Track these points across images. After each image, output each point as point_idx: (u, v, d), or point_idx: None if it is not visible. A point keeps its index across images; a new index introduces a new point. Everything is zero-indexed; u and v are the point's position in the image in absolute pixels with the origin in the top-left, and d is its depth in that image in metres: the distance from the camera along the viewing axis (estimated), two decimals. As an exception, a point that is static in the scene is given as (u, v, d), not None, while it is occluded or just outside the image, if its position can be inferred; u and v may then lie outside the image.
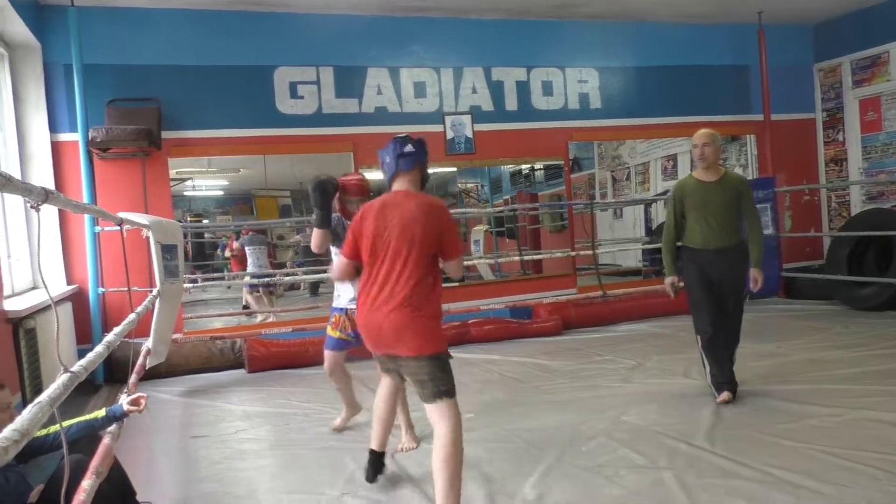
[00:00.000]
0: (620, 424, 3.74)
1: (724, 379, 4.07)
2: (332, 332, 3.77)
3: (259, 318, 7.81)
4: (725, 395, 4.01)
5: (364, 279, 2.74)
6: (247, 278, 8.20)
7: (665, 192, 10.70)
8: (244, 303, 8.76)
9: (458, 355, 5.80)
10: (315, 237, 3.55)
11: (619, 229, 11.29)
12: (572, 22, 7.60)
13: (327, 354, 3.82)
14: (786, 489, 2.73)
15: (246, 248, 8.35)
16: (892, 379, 4.22)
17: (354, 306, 3.18)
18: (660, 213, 10.88)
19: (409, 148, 2.79)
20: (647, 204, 10.92)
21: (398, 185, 2.81)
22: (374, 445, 3.12)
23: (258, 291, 8.15)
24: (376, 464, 3.10)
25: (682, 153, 10.52)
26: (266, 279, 7.64)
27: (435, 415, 2.60)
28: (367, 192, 3.64)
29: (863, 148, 8.23)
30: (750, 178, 8.42)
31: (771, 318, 6.85)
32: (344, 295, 3.70)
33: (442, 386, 2.60)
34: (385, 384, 3.08)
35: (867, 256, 7.16)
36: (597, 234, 7.83)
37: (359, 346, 3.41)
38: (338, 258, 3.10)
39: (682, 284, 4.23)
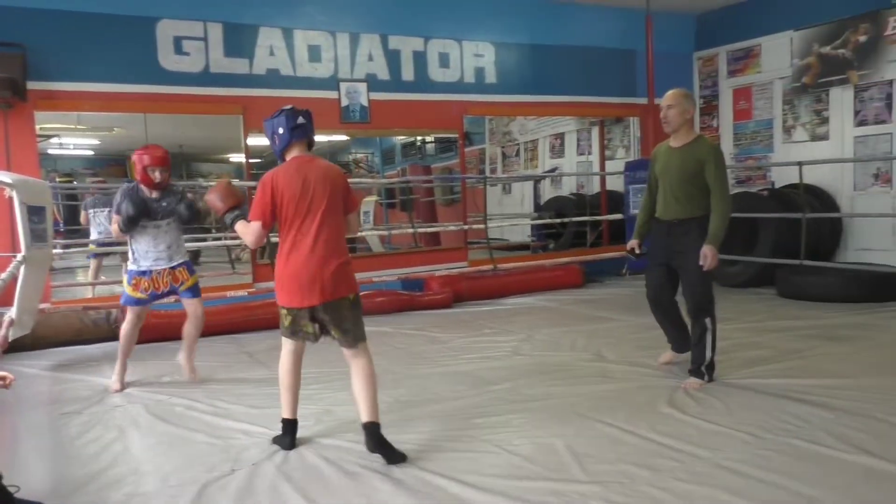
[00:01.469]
0: (512, 395, 3.82)
1: (669, 339, 4.24)
2: (132, 293, 4.22)
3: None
4: (666, 355, 4.23)
5: (291, 236, 3.00)
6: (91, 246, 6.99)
7: (553, 170, 11.00)
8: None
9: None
10: (254, 232, 3.11)
11: (507, 205, 11.51)
12: (471, -5, 7.59)
13: (131, 310, 4.28)
14: (668, 455, 2.88)
15: (89, 212, 7.06)
16: (758, 350, 4.55)
17: (159, 267, 4.15)
18: (547, 190, 11.18)
19: (301, 119, 3.09)
20: (536, 181, 11.17)
21: (295, 153, 3.10)
22: (288, 414, 3.20)
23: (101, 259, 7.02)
24: (294, 430, 3.20)
25: (569, 132, 10.82)
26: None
27: (354, 354, 3.07)
28: (169, 161, 4.18)
29: (734, 134, 8.78)
30: (632, 158, 8.80)
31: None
32: (143, 258, 4.19)
33: (361, 332, 3.09)
34: (291, 352, 3.20)
35: (735, 237, 7.66)
36: (487, 209, 7.93)
37: (149, 304, 4.31)
38: (245, 226, 3.12)
39: (640, 251, 4.15)
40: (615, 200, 8.77)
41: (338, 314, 3.02)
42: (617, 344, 4.96)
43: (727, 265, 7.38)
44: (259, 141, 6.98)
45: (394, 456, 2.92)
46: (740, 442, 2.99)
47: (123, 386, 4.29)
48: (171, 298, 4.42)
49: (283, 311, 3.11)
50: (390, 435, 3.01)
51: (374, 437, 2.95)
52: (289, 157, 3.10)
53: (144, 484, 2.84)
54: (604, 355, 4.67)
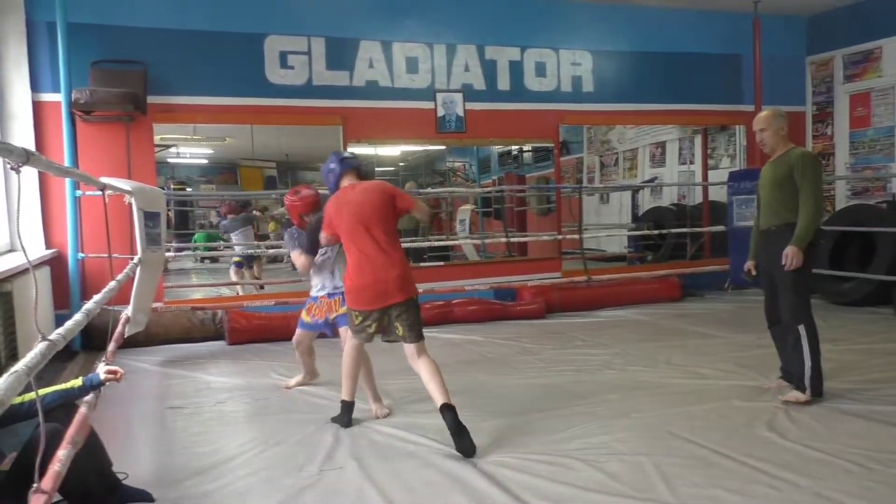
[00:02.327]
0: (601, 410, 3.74)
1: (782, 364, 4.03)
2: (304, 317, 4.37)
3: (241, 290, 7.77)
4: (771, 382, 4.05)
5: (356, 254, 3.45)
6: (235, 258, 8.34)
7: (652, 179, 10.72)
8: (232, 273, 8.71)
9: (441, 335, 5.84)
10: (305, 262, 4.05)
11: (605, 215, 11.31)
12: (568, 3, 7.53)
13: (299, 331, 4.43)
14: (763, 480, 2.74)
15: (230, 236, 8.46)
16: (871, 373, 4.26)
17: (324, 294, 4.22)
18: (646, 200, 10.91)
19: (348, 154, 3.77)
20: (635, 190, 10.92)
21: (346, 182, 3.60)
22: (347, 396, 3.66)
23: (242, 269, 8.21)
24: (351, 410, 3.66)
25: (670, 140, 10.52)
26: (250, 253, 7.73)
27: (416, 351, 3.40)
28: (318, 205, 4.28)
29: (850, 143, 8.27)
30: (737, 168, 8.44)
31: (752, 309, 6.89)
32: (317, 287, 4.30)
33: (421, 329, 3.45)
34: (355, 346, 3.63)
35: (849, 252, 7.21)
36: (583, 219, 7.82)
37: (323, 329, 4.31)
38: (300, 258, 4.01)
39: (754, 272, 4.12)
40: (718, 212, 8.44)
41: (402, 313, 3.40)
42: (715, 361, 4.76)
43: (840, 282, 6.95)
44: (358, 150, 7.19)
45: (464, 443, 3.10)
46: (844, 471, 2.80)
47: (383, 409, 3.91)
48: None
49: (353, 312, 3.53)
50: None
51: (453, 421, 3.15)
52: (342, 185, 3.61)
53: (239, 478, 2.97)
54: (700, 373, 4.50)
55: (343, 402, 3.67)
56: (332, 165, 3.64)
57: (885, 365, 4.47)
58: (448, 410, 3.17)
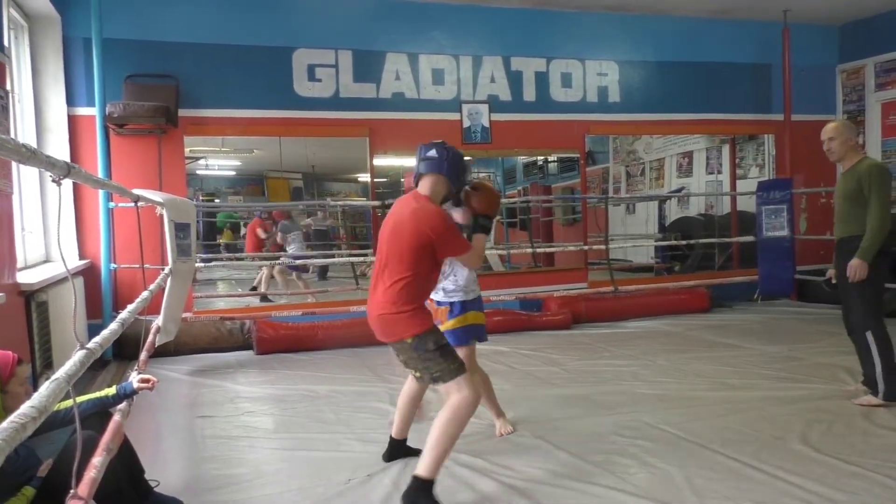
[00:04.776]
0: (629, 422, 3.71)
1: (863, 370, 4.04)
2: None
3: (284, 299, 7.86)
4: (854, 386, 4.10)
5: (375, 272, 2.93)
6: (285, 260, 8.46)
7: (679, 189, 10.63)
8: (254, 284, 8.82)
9: (467, 345, 5.80)
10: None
11: (631, 225, 11.23)
12: (594, 14, 7.52)
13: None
14: (796, 494, 2.70)
15: (287, 236, 8.58)
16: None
17: (435, 298, 3.35)
18: (673, 210, 10.81)
19: (430, 153, 2.87)
20: (662, 201, 10.84)
21: (418, 188, 2.91)
22: (393, 433, 3.28)
23: (292, 274, 8.31)
24: (393, 449, 3.26)
25: (697, 150, 10.43)
26: (302, 261, 7.93)
27: (445, 394, 2.80)
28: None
29: (882, 152, 8.13)
30: (766, 178, 8.34)
31: (783, 320, 6.81)
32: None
33: (437, 373, 2.75)
34: (409, 378, 3.23)
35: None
36: (609, 229, 7.77)
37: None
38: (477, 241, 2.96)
39: (833, 280, 4.17)
40: (746, 222, 8.34)
41: (403, 355, 2.89)
42: (745, 374, 4.70)
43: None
44: (384, 161, 7.24)
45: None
46: (881, 486, 2.75)
47: (507, 425, 3.64)
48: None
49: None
50: (498, 457, 3.01)
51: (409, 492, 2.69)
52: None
53: (267, 488, 3.00)
54: (729, 384, 4.45)
55: (390, 437, 3.28)
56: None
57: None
58: (413, 480, 2.69)
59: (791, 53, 7.86)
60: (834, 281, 4.14)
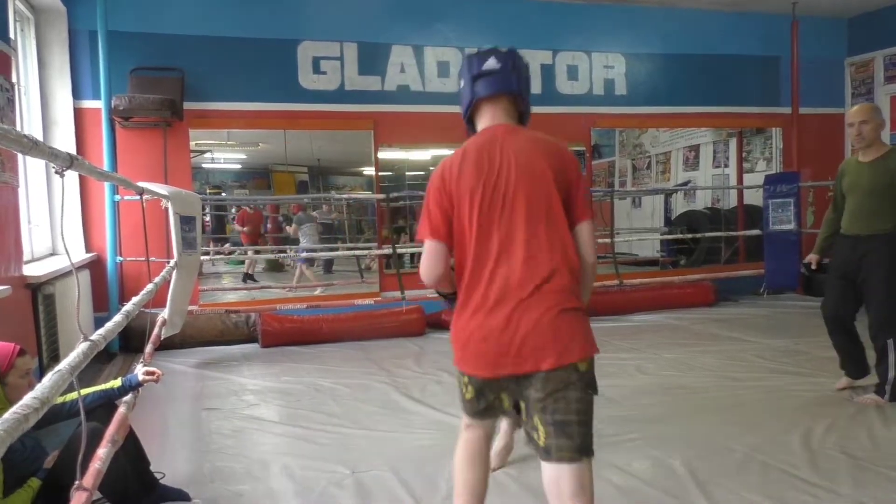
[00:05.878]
0: (634, 414, 3.71)
1: (844, 365, 3.98)
2: None
3: (318, 290, 8.01)
4: (842, 380, 3.99)
5: (470, 263, 1.87)
6: (300, 252, 8.63)
7: (686, 183, 10.59)
8: (247, 271, 8.88)
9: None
10: (427, 255, 2.06)
11: (637, 219, 11.19)
12: (600, 6, 7.48)
13: None
14: (800, 486, 2.70)
15: (301, 227, 8.65)
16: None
17: None
18: (679, 204, 10.78)
19: (491, 64, 1.93)
20: (668, 194, 10.80)
21: (485, 121, 1.98)
22: None
23: (311, 265, 8.46)
24: None
25: (704, 144, 10.38)
26: (314, 254, 8.12)
27: (567, 483, 1.77)
28: None
29: (892, 145, 8.06)
30: (774, 172, 8.30)
31: (789, 314, 6.79)
32: None
33: (588, 432, 1.81)
34: (466, 439, 2.07)
35: None
36: (615, 223, 7.75)
37: None
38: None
39: (813, 266, 4.08)
40: (753, 215, 8.30)
41: (553, 393, 1.79)
42: (750, 367, 4.69)
43: None
44: (389, 155, 7.23)
45: None
46: (886, 479, 2.74)
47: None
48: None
49: (461, 377, 1.99)
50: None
51: None
52: (481, 126, 2.00)
53: (272, 479, 3.01)
54: (735, 377, 4.43)
55: None
56: (462, 84, 2.04)
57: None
58: None
59: (800, 46, 7.81)
60: (815, 267, 4.03)
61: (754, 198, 8.42)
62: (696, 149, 10.58)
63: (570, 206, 1.88)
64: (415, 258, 8.34)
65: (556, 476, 1.79)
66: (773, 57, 8.10)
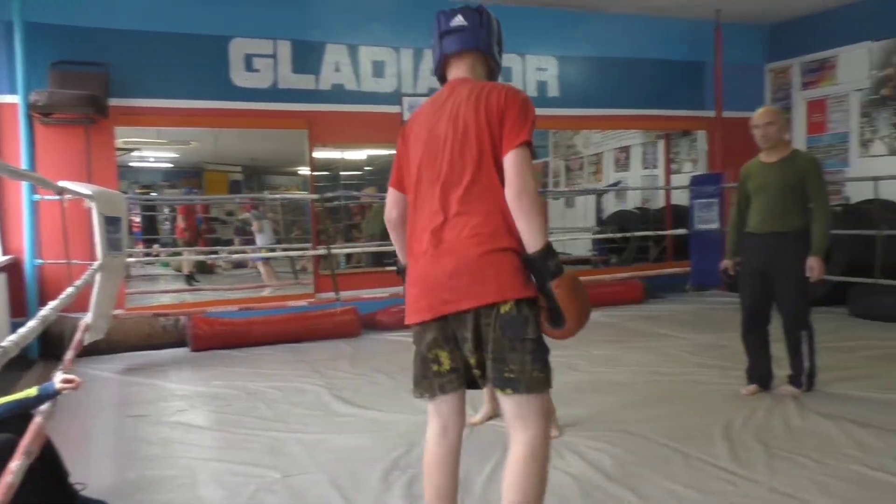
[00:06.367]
0: (563, 411, 3.78)
1: (753, 371, 4.03)
2: None
3: (267, 290, 7.93)
4: (749, 387, 3.99)
5: (412, 220, 2.00)
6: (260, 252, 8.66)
7: (616, 184, 10.86)
8: (188, 272, 8.70)
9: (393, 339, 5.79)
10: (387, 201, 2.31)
11: (570, 218, 11.42)
12: (533, 9, 7.59)
13: None
14: (721, 476, 2.80)
15: (262, 222, 8.63)
16: (827, 373, 4.36)
17: None
18: (611, 204, 11.05)
19: (458, 21, 2.02)
20: (599, 194, 11.05)
21: (451, 77, 2.07)
22: None
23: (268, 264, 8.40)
24: None
25: (634, 145, 10.67)
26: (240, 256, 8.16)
27: (512, 417, 1.90)
28: None
29: (808, 148, 8.46)
30: (699, 173, 8.60)
31: (713, 310, 7.03)
32: None
33: (524, 369, 1.87)
34: (440, 440, 2.04)
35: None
36: (549, 223, 7.88)
37: None
38: None
39: (731, 272, 4.13)
40: (680, 215, 8.59)
41: (480, 331, 1.87)
42: (676, 362, 4.85)
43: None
44: (325, 154, 7.17)
45: None
46: (799, 466, 2.88)
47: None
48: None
49: (415, 337, 2.04)
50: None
51: None
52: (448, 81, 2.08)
53: (200, 486, 2.94)
54: (662, 372, 4.58)
55: None
56: (433, 42, 2.13)
57: (839, 363, 4.57)
58: None
59: (723, 51, 8.10)
60: (732, 273, 4.12)
61: (681, 198, 8.72)
62: (626, 150, 10.87)
63: (502, 143, 1.87)
64: (352, 259, 8.28)
65: (501, 399, 1.94)
66: (698, 62, 8.38)
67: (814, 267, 3.72)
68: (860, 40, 7.76)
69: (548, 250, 1.81)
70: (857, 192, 7.72)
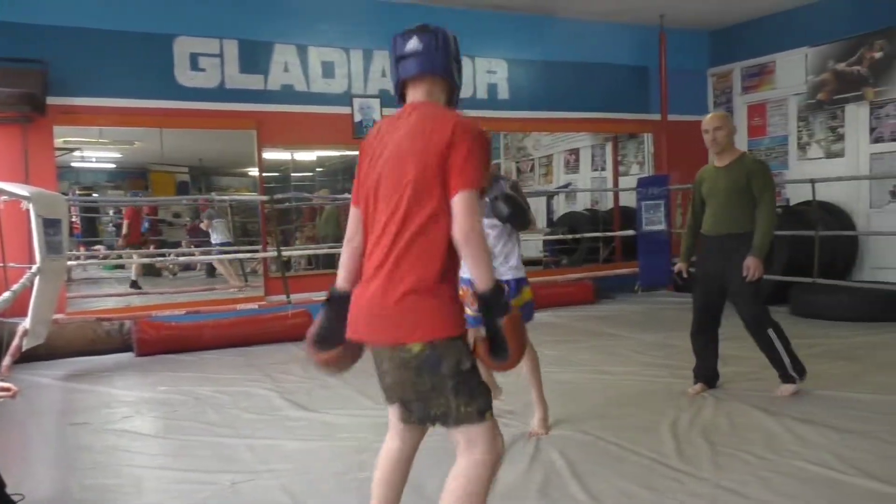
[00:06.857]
0: (512, 409, 3.81)
1: (700, 371, 4.09)
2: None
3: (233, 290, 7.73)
4: (696, 387, 4.05)
5: (364, 241, 2.00)
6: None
7: (567, 185, 11.00)
8: (133, 278, 8.44)
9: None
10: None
11: (521, 219, 11.50)
12: (483, 12, 7.65)
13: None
14: (668, 475, 2.86)
15: (212, 222, 8.39)
16: (768, 369, 4.50)
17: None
18: (561, 206, 11.18)
19: (412, 45, 1.96)
20: (550, 196, 11.17)
21: (409, 99, 2.01)
22: None
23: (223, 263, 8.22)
24: None
25: (584, 147, 10.82)
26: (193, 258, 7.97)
27: (458, 439, 1.92)
28: None
29: (748, 151, 8.72)
30: (646, 175, 8.78)
31: (661, 310, 7.19)
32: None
33: (463, 399, 1.86)
34: (393, 456, 2.09)
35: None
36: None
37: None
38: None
39: (684, 275, 4.18)
40: (628, 216, 8.76)
41: (396, 371, 1.89)
42: (625, 361, 4.94)
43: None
44: (274, 155, 7.07)
45: None
46: (743, 462, 2.96)
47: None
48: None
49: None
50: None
51: None
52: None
53: (146, 495, 2.87)
54: (611, 372, 4.66)
55: None
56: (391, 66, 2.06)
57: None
58: None
59: (667, 56, 8.29)
60: (686, 275, 4.20)
61: (629, 200, 8.88)
62: (576, 152, 11.02)
63: (448, 179, 1.81)
64: (303, 261, 8.19)
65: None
66: (644, 66, 8.56)
67: (750, 266, 3.78)
68: (797, 46, 8.04)
69: (498, 287, 1.82)
70: (796, 194, 8.01)
